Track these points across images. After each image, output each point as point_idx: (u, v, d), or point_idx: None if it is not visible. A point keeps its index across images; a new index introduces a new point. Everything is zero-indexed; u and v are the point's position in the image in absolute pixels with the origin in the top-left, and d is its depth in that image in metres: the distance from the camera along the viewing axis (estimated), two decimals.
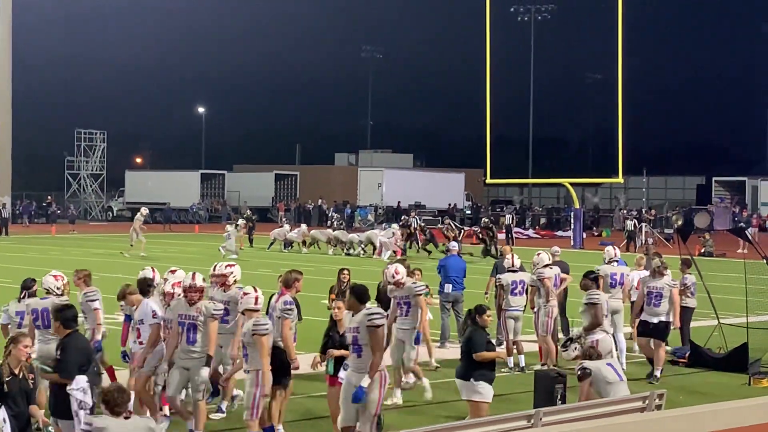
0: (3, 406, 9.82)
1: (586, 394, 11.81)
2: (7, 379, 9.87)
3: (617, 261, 18.65)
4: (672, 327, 17.12)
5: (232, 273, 13.84)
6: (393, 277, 14.86)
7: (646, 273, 19.44)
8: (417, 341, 14.93)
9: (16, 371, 9.95)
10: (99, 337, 13.61)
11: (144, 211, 45.62)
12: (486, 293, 19.50)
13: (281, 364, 12.32)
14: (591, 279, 15.55)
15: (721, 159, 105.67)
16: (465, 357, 12.18)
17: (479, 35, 48.05)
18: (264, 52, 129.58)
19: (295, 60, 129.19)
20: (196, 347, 12.12)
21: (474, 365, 12.01)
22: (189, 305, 12.22)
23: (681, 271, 19.39)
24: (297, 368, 12.77)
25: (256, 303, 12.09)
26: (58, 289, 13.19)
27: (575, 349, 14.06)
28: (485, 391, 12.00)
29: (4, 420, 9.82)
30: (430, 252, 42.25)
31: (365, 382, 10.61)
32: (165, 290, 13.16)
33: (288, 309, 12.96)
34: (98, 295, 13.94)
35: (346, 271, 16.56)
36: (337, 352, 12.10)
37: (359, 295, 11.17)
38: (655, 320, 16.79)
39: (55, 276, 13.49)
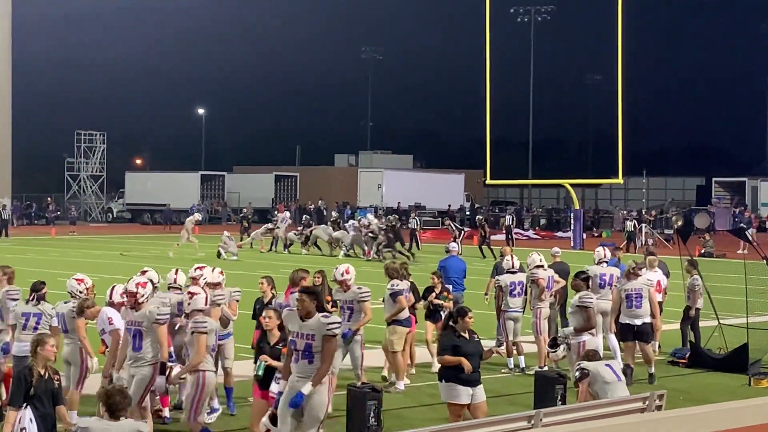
0: (29, 407, 9.81)
1: (585, 394, 11.82)
2: (36, 380, 9.85)
3: (607, 262, 18.64)
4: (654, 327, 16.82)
5: (202, 275, 13.91)
6: (342, 275, 14.67)
7: (660, 273, 19.49)
8: (345, 336, 14.16)
9: (43, 372, 9.92)
10: (7, 338, 13.24)
11: (198, 216, 46.08)
12: (486, 294, 19.49)
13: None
14: (582, 279, 15.26)
15: (721, 160, 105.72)
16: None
17: (479, 36, 48.05)
18: (264, 53, 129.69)
19: (295, 61, 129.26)
20: (141, 354, 11.64)
21: (446, 367, 11.87)
22: (132, 310, 11.83)
23: (688, 273, 19.37)
24: None
25: (205, 303, 12.21)
26: (80, 293, 12.96)
27: (564, 349, 14.02)
28: (455, 392, 11.75)
29: (31, 420, 9.79)
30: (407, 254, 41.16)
31: (306, 389, 10.31)
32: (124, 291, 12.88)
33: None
34: (19, 295, 13.50)
35: (319, 274, 15.81)
36: (271, 362, 11.53)
37: (318, 299, 10.86)
38: (638, 322, 16.47)
39: (78, 279, 13.29)
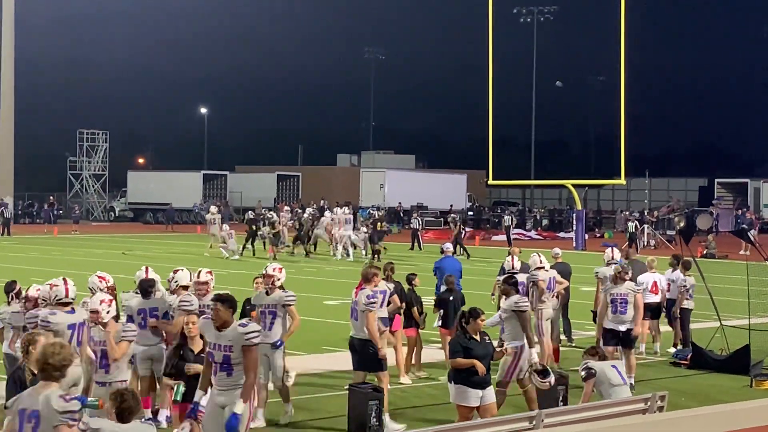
0: None
1: (590, 394, 11.78)
2: (29, 379, 9.78)
3: (616, 263, 18.63)
4: (633, 334, 16.25)
5: (173, 279, 13.69)
6: (269, 276, 13.52)
7: (660, 275, 19.49)
8: (278, 347, 13.52)
9: (36, 371, 9.86)
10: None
11: (213, 209, 45.37)
12: (492, 295, 19.48)
13: (372, 356, 13.21)
14: (511, 284, 14.28)
15: (723, 161, 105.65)
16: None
17: (482, 37, 48.05)
18: (266, 53, 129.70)
19: (298, 61, 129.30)
20: (109, 377, 10.98)
21: (457, 369, 11.77)
22: (97, 327, 11.22)
23: (681, 273, 19.41)
24: (384, 357, 13.38)
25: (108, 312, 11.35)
26: (101, 290, 12.66)
27: (553, 379, 13.65)
28: (466, 395, 11.68)
29: None
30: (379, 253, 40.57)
31: (239, 407, 9.63)
32: (28, 295, 12.56)
33: (372, 302, 13.42)
34: None
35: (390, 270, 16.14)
36: (195, 369, 11.05)
37: (234, 306, 10.16)
38: (622, 328, 16.02)
39: (100, 277, 13.14)
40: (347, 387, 13.54)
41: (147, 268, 13.92)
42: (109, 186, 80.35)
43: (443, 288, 17.59)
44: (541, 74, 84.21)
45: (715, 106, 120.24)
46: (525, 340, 13.45)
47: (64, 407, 7.51)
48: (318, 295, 27.21)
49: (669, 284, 19.50)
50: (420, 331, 17.02)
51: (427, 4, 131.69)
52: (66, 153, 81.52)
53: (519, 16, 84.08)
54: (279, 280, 13.41)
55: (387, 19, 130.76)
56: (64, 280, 11.74)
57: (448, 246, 22.10)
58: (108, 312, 11.15)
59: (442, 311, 16.92)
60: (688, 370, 17.82)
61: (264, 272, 13.58)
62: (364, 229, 42.86)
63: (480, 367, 11.50)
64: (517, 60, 79.63)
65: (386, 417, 13.12)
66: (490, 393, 11.81)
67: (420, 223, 47.65)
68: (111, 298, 11.59)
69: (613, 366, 12.04)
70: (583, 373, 11.92)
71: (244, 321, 10.34)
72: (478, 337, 11.82)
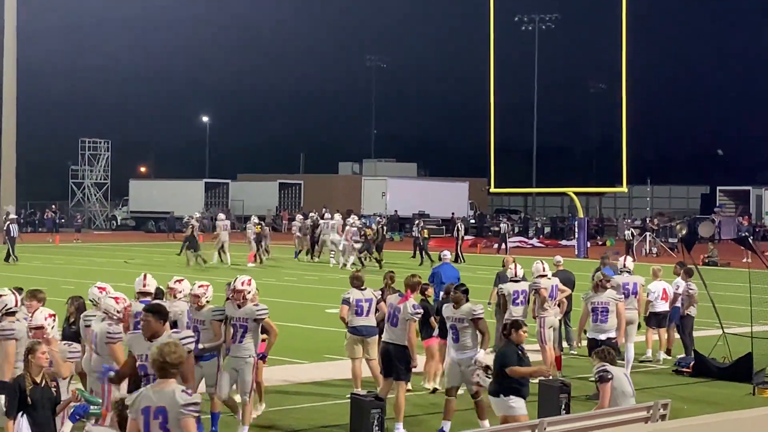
0: (24, 416, 9.77)
1: (609, 398, 11.46)
2: (29, 388, 9.77)
3: (628, 271, 18.62)
4: (616, 343, 16.03)
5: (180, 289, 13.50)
6: (238, 291, 12.99)
7: (666, 284, 19.50)
8: (262, 358, 13.52)
9: (38, 379, 9.83)
10: None
11: (222, 216, 44.64)
12: (489, 303, 19.46)
13: (404, 364, 13.50)
14: (462, 292, 13.83)
15: (725, 168, 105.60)
16: (501, 372, 11.95)
17: (483, 44, 48.11)
18: (268, 61, 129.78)
19: (299, 69, 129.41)
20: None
21: (506, 380, 11.81)
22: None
23: (683, 280, 19.43)
24: (416, 366, 13.81)
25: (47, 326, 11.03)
26: (118, 312, 11.92)
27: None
28: (518, 404, 11.82)
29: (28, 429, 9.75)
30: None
31: None
32: None
33: (417, 312, 13.72)
34: None
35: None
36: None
37: (165, 317, 9.89)
38: (603, 337, 15.87)
39: (100, 288, 12.69)
40: (349, 396, 13.53)
41: (146, 275, 13.76)
42: (111, 194, 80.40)
43: (442, 295, 17.49)
44: (542, 82, 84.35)
45: (717, 113, 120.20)
46: (479, 350, 13.26)
47: (188, 400, 7.85)
48: (320, 303, 27.22)
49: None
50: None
51: (428, 12, 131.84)
52: (68, 161, 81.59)
53: (520, 23, 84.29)
54: (249, 293, 13.06)
55: (388, 27, 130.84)
56: (13, 290, 11.58)
57: (446, 253, 22.16)
58: (53, 327, 10.93)
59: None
60: (690, 377, 17.81)
61: (232, 287, 13.12)
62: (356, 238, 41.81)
63: (543, 370, 11.61)
64: (518, 67, 79.73)
65: (399, 426, 13.27)
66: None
67: (419, 231, 46.37)
68: (54, 313, 11.14)
69: (625, 374, 11.95)
70: (598, 375, 11.58)
71: (175, 329, 10.18)
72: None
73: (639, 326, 18.71)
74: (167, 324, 10.07)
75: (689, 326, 19.46)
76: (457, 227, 47.64)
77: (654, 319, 19.40)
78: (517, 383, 11.83)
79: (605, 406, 11.31)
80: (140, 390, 8.22)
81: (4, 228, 44.96)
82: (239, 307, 12.94)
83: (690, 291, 19.32)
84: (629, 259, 19.02)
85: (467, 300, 13.67)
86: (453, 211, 74.06)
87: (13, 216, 47.79)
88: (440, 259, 20.96)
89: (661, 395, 15.20)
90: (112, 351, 11.30)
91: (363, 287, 15.55)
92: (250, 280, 13.14)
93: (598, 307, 16.08)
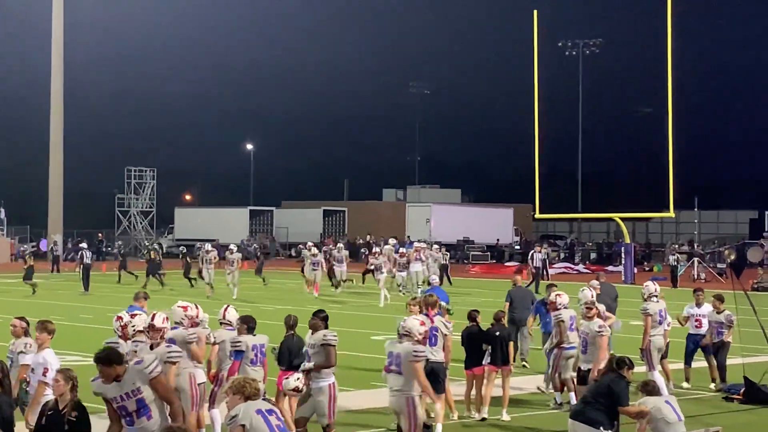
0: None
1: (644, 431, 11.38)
2: (49, 413, 9.70)
3: (656, 296, 18.24)
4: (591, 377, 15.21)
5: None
6: (156, 329, 12.08)
7: (702, 309, 19.15)
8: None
9: (62, 406, 9.70)
10: None
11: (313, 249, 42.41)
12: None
13: (440, 380, 14.36)
14: (321, 318, 13.33)
15: None
16: (604, 404, 11.53)
17: (527, 70, 47.99)
18: (312, 88, 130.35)
19: (343, 95, 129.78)
20: None
21: (611, 415, 11.50)
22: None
23: (714, 307, 19.03)
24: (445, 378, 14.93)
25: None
26: (183, 318, 13.16)
27: (297, 379, 12.87)
28: None
29: None
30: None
31: None
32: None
33: (450, 329, 15.03)
34: None
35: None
36: None
37: (116, 360, 9.52)
38: (585, 367, 15.59)
39: (182, 307, 13.29)
40: (393, 426, 13.27)
41: (192, 305, 13.77)
42: (156, 222, 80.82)
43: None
44: (587, 107, 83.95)
45: (767, 137, 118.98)
46: (333, 377, 12.83)
47: None
48: (365, 330, 27.04)
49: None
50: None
51: (472, 38, 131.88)
52: (114, 190, 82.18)
53: (564, 49, 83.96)
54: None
55: (432, 54, 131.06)
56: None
57: (434, 278, 23.32)
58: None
59: (490, 347, 16.34)
60: (741, 404, 17.45)
61: (152, 323, 12.13)
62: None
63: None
64: (563, 92, 79.46)
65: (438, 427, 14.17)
66: None
67: (447, 258, 45.98)
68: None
69: (667, 402, 11.69)
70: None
71: (136, 359, 10.14)
72: None
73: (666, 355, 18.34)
74: (123, 362, 9.62)
75: (726, 353, 19.06)
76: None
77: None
78: (617, 421, 11.59)
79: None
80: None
81: (78, 256, 45.76)
82: (152, 348, 11.89)
83: (731, 318, 18.92)
84: (657, 284, 18.64)
85: (326, 327, 13.11)
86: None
87: (83, 245, 48.62)
88: (429, 283, 20.80)
89: (711, 423, 14.88)
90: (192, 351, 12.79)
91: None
92: (167, 318, 12.30)
93: (583, 338, 15.82)
